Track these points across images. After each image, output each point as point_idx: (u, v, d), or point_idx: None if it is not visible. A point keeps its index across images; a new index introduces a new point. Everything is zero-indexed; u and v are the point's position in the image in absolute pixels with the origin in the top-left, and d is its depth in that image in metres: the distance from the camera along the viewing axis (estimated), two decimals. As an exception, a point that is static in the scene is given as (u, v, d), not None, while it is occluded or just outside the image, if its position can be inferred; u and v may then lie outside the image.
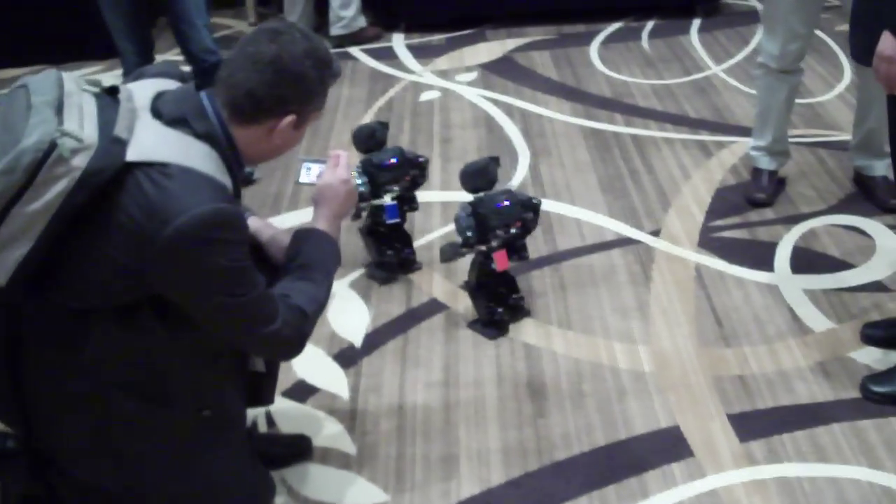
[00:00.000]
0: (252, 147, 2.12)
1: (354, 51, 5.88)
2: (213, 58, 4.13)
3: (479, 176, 3.14)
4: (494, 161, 3.19)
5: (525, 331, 3.29)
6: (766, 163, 4.01)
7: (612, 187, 4.19)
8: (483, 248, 3.08)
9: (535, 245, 3.70)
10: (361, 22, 5.94)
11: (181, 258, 1.90)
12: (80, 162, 1.83)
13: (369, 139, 3.48)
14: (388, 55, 5.77)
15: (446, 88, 5.24)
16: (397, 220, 3.48)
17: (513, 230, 3.10)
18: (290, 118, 2.09)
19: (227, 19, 6.56)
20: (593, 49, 5.70)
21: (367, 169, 3.41)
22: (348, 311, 3.42)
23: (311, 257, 2.24)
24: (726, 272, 3.57)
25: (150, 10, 4.19)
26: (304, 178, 2.48)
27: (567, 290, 3.50)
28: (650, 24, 6.05)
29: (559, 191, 4.16)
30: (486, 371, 3.11)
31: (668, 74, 5.31)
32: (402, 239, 3.60)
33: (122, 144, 1.90)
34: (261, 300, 2.06)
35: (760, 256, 3.65)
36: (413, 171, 3.48)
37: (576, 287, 3.52)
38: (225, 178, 2.02)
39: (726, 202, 4.02)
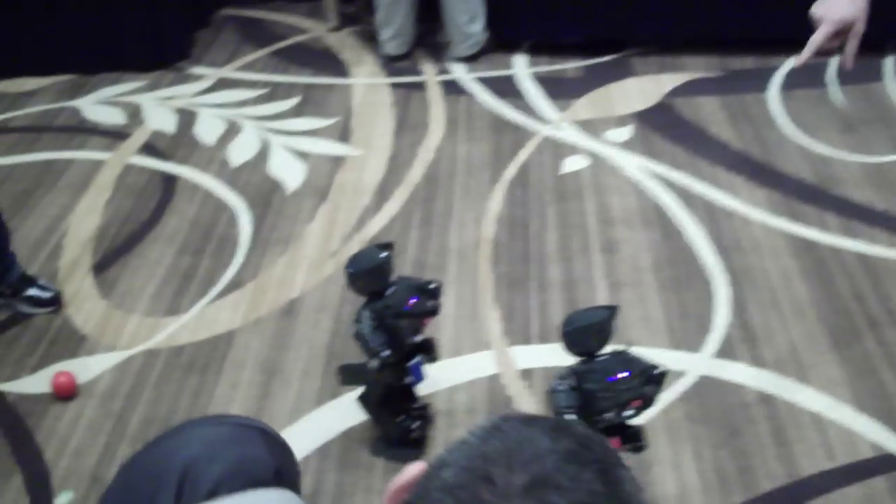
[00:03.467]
0: None
1: (468, 79, 4.70)
2: None
3: (594, 334, 2.26)
4: (613, 313, 2.28)
5: None
6: None
7: (850, 352, 3.09)
8: None
9: (763, 460, 2.70)
10: (486, 34, 4.89)
11: None
12: None
13: (377, 275, 2.53)
14: (511, 91, 4.59)
15: (596, 153, 4.08)
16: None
17: (627, 412, 2.23)
18: None
19: (300, 19, 5.36)
20: (772, 97, 4.45)
21: (382, 320, 2.50)
22: None
23: None
24: None
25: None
26: None
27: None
28: (834, 62, 4.68)
29: (781, 356, 3.07)
30: None
31: (877, 145, 4.11)
32: (407, 395, 2.75)
33: None
34: None
35: None
36: (431, 305, 2.54)
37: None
38: None
39: None
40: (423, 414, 2.82)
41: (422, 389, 2.88)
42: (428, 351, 2.71)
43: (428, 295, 2.57)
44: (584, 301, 3.27)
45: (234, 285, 3.45)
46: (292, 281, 3.43)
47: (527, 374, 3.01)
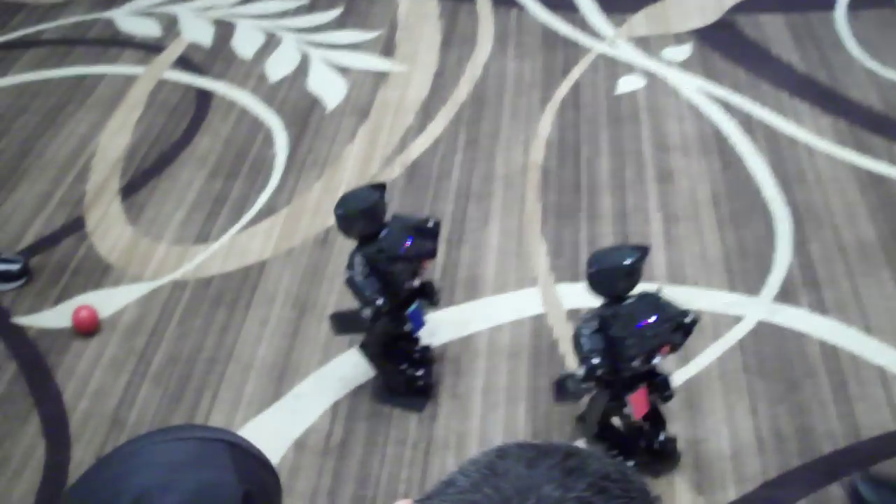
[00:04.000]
0: None
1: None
2: None
3: (621, 277, 2.15)
4: (643, 254, 2.14)
5: None
6: None
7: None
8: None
9: (824, 418, 2.53)
10: None
11: None
12: None
13: (369, 217, 2.34)
14: (564, 3, 4.37)
15: (652, 73, 3.83)
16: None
17: (656, 359, 2.14)
18: None
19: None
20: (840, 16, 4.15)
21: (376, 265, 2.32)
22: None
23: None
24: None
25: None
26: None
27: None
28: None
29: (845, 302, 2.87)
30: None
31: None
32: (408, 340, 2.58)
33: None
34: None
35: None
36: (429, 246, 2.36)
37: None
38: None
39: None
40: (425, 358, 2.65)
41: (459, 330, 2.72)
42: (428, 295, 2.52)
43: (425, 235, 2.38)
44: (636, 235, 3.09)
45: (268, 211, 3.29)
46: (328, 207, 3.24)
47: (574, 314, 2.82)
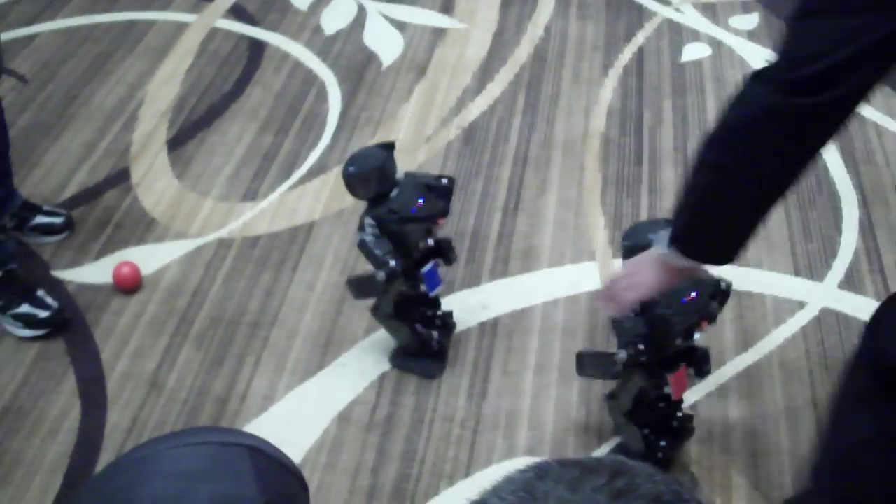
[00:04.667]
0: None
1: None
2: None
3: None
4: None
5: None
6: None
7: None
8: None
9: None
10: None
11: None
12: None
13: (379, 177, 2.25)
14: (630, -37, 4.15)
15: (717, 40, 3.69)
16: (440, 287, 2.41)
17: (697, 335, 2.05)
18: None
19: None
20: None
21: (387, 226, 2.23)
22: None
23: None
24: None
25: None
26: None
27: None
28: None
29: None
30: None
31: None
32: (428, 302, 2.48)
33: None
34: None
35: None
36: (442, 204, 2.27)
37: None
38: None
39: None
40: (445, 322, 2.54)
41: (512, 304, 2.64)
42: (444, 253, 2.41)
43: (438, 193, 2.28)
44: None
45: (319, 169, 3.18)
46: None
47: (631, 291, 2.68)
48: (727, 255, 1.73)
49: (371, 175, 2.26)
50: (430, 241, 2.37)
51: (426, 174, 2.38)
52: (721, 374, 2.53)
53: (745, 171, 1.61)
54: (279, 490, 1.10)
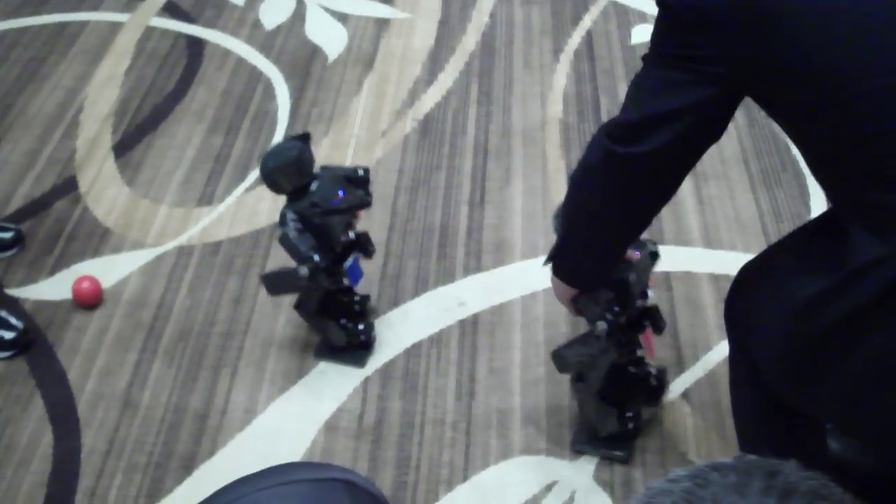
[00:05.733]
0: None
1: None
2: None
3: None
4: None
5: None
6: None
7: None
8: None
9: None
10: None
11: None
12: None
13: (299, 168, 2.22)
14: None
15: (668, 21, 3.59)
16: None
17: (651, 292, 2.11)
18: None
19: None
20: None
21: (309, 220, 2.22)
22: None
23: None
24: None
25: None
26: None
27: None
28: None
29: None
30: None
31: None
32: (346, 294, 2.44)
33: None
34: None
35: None
36: (362, 195, 2.28)
37: None
38: None
39: None
40: (364, 309, 2.49)
41: (490, 299, 2.63)
42: (363, 246, 2.39)
43: (356, 184, 2.26)
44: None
45: (274, 170, 3.05)
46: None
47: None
48: (589, 281, 1.93)
49: (291, 167, 2.21)
50: (352, 235, 2.34)
51: (342, 167, 2.35)
52: (708, 360, 2.48)
53: (591, 210, 1.76)
54: None
